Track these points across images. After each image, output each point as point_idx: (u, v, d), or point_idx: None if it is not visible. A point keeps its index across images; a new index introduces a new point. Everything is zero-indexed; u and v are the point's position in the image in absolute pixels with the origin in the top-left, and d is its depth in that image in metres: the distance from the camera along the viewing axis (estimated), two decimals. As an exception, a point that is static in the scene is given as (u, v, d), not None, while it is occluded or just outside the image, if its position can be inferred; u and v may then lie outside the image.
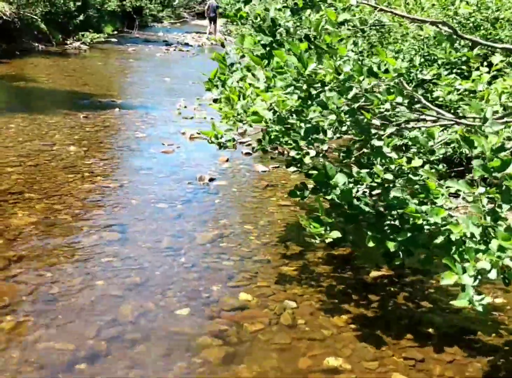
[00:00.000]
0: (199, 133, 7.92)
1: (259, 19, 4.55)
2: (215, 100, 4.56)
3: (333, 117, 3.27)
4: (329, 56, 3.02)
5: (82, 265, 3.93)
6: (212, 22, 29.81)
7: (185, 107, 9.83)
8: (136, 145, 7.19)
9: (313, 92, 3.22)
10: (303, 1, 4.39)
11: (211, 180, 6.00)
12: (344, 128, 3.39)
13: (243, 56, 4.99)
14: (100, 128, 7.88)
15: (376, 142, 3.30)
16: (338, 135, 3.37)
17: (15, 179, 5.47)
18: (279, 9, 4.49)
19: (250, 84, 3.46)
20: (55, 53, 16.31)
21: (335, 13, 3.40)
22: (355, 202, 3.27)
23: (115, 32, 24.33)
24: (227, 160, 6.76)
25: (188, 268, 4.03)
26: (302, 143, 3.25)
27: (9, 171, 5.67)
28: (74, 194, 5.26)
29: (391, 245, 3.02)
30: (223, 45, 4.58)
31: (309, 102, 3.23)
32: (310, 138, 3.31)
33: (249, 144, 7.05)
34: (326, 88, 3.08)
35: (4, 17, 14.01)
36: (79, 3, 19.30)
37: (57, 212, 4.81)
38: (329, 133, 3.37)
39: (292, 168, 3.75)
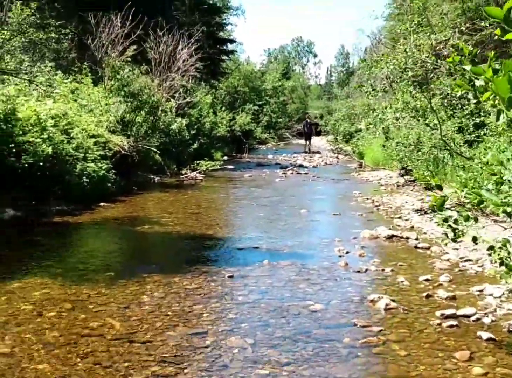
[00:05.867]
0: (393, 300, 5.61)
1: None
2: None
3: None
4: None
5: None
6: (308, 140, 29.04)
7: (347, 252, 7.63)
8: (318, 329, 4.86)
9: None
10: None
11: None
12: None
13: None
14: (257, 296, 5.73)
15: None
16: None
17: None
18: None
19: None
20: (171, 185, 15.12)
21: None
22: None
23: (225, 157, 23.48)
24: (469, 358, 4.30)
25: None
26: None
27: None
28: None
29: None
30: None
31: None
32: None
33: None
34: None
35: (123, 151, 12.99)
36: (194, 131, 18.55)
37: None
38: None
39: None
